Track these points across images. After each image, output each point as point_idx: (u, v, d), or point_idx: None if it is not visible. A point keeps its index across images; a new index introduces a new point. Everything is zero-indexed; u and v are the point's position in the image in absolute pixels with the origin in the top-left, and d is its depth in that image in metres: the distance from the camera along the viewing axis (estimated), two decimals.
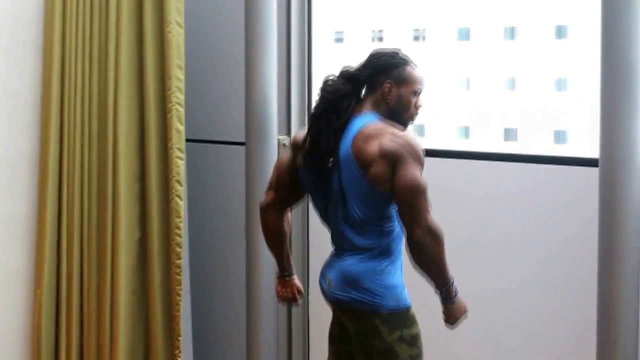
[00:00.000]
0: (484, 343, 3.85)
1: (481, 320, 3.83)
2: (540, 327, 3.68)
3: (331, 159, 3.10)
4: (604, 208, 3.15)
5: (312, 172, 3.17)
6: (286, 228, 3.39)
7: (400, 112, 3.15)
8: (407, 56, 3.19)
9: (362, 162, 3.04)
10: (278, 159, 3.38)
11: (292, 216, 3.46)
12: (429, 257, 3.01)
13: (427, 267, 3.04)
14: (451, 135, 4.02)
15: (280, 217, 3.37)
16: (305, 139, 3.19)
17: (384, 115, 3.14)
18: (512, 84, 3.87)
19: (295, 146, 3.26)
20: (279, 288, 3.50)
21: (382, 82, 3.13)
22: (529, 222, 3.69)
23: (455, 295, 3.11)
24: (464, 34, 3.95)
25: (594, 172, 3.20)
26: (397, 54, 3.18)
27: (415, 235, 2.99)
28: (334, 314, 3.31)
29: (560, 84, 3.74)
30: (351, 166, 3.06)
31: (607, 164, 3.14)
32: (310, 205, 3.36)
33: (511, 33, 3.83)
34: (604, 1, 3.11)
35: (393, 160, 3.00)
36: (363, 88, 3.18)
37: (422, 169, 3.04)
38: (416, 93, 3.17)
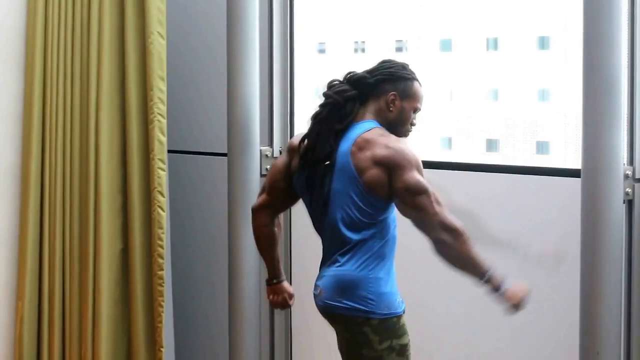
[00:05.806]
0: (467, 350, 3.85)
1: (463, 328, 3.84)
2: (522, 336, 3.68)
3: (327, 162, 3.09)
4: (586, 218, 3.16)
5: (305, 174, 3.16)
6: (277, 231, 3.37)
7: (398, 125, 3.14)
8: (414, 72, 3.19)
9: (358, 168, 3.04)
10: (274, 162, 3.37)
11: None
12: (454, 255, 2.99)
13: (456, 266, 3.01)
14: (433, 146, 4.02)
15: (272, 220, 3.35)
16: (302, 139, 3.18)
17: (383, 124, 3.13)
18: (495, 95, 3.88)
19: (291, 150, 3.24)
20: (271, 296, 3.46)
21: (388, 91, 3.12)
22: (511, 232, 3.70)
23: (500, 285, 3.00)
24: (446, 45, 3.95)
25: (576, 182, 3.21)
26: (407, 66, 3.19)
27: (431, 237, 2.98)
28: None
29: (543, 95, 3.75)
30: (348, 172, 3.05)
31: (589, 175, 3.15)
32: (293, 209, 3.33)
33: (494, 44, 3.84)
34: (586, 12, 3.12)
35: (387, 167, 3.01)
36: (368, 93, 3.15)
37: (420, 172, 3.02)
38: (416, 110, 3.17)
